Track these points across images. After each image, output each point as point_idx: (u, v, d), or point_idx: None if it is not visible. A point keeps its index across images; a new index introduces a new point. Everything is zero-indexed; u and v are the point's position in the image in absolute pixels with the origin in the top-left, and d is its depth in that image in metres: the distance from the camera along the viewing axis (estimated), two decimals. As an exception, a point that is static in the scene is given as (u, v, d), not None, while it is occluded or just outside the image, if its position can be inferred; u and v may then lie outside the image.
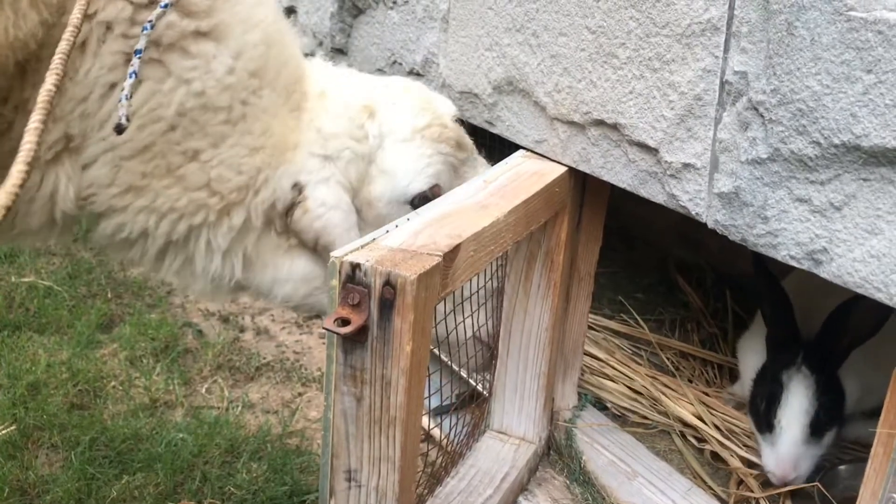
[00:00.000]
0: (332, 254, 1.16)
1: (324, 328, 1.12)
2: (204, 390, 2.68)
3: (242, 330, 3.00)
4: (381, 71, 2.23)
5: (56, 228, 1.42)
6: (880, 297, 1.08)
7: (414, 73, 2.06)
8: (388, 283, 1.12)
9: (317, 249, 1.45)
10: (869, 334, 1.70)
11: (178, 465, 2.19)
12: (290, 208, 1.44)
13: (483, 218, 1.33)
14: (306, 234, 1.44)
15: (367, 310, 1.14)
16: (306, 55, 2.75)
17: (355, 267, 1.13)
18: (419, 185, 1.50)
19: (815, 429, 1.69)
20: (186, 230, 1.42)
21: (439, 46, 1.94)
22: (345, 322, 1.13)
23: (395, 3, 2.10)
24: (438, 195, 1.50)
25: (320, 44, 2.55)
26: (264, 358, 2.79)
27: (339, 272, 1.14)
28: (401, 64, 2.12)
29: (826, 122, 1.09)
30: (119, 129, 1.22)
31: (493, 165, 1.66)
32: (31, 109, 1.08)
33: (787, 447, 1.69)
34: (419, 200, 1.50)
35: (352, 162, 1.48)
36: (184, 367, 2.78)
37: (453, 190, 1.49)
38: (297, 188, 1.43)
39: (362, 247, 1.19)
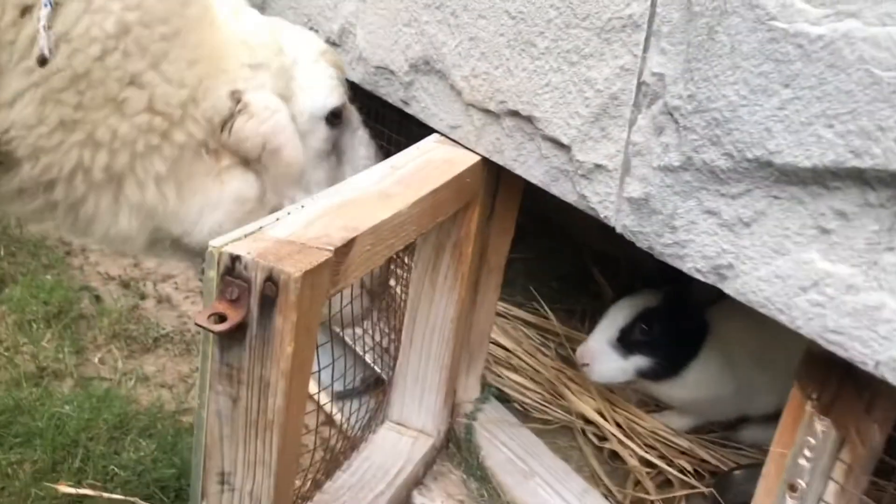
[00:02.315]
0: (211, 243, 1.06)
1: (196, 324, 1.03)
2: (97, 360, 2.55)
3: (143, 297, 2.87)
4: (297, 37, 2.12)
5: None
6: (782, 318, 1.05)
7: (330, 42, 1.96)
8: (271, 279, 1.03)
9: (261, 159, 1.43)
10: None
11: (60, 442, 2.07)
12: (226, 120, 1.40)
13: (384, 209, 1.25)
14: (251, 142, 1.41)
15: (246, 306, 1.05)
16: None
17: (235, 259, 1.04)
18: (335, 100, 1.57)
19: (623, 341, 1.84)
20: (128, 159, 1.33)
21: (357, 16, 1.84)
22: (221, 318, 1.04)
23: (314, -34, 1.99)
24: (344, 114, 1.60)
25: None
26: (164, 328, 2.67)
27: (218, 263, 1.05)
28: (317, 31, 2.01)
29: (740, 134, 1.04)
30: (42, 61, 1.16)
31: (406, 147, 1.59)
32: None
33: (591, 341, 1.88)
34: (332, 117, 1.57)
35: (279, 73, 1.49)
36: (77, 334, 2.64)
37: (358, 175, 1.41)
38: (235, 97, 1.40)
39: (246, 236, 1.10)
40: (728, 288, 1.12)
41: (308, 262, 1.05)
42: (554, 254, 2.83)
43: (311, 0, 2.02)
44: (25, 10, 1.20)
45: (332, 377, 1.82)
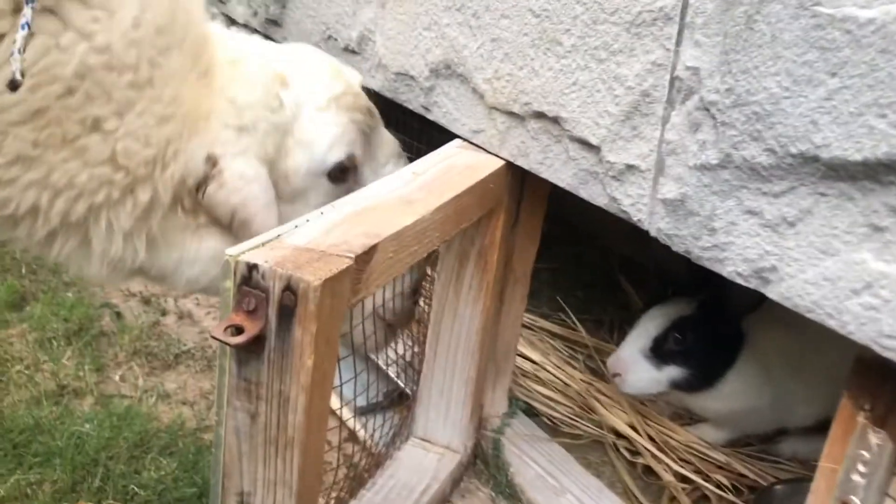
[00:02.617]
0: (227, 251, 1.02)
1: (212, 336, 0.98)
2: (117, 377, 2.52)
3: (164, 313, 2.83)
4: (316, 46, 2.08)
5: None
6: (832, 324, 0.98)
7: (349, 51, 1.92)
8: (289, 289, 0.98)
9: (232, 227, 1.34)
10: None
11: (80, 461, 2.03)
12: (201, 183, 1.32)
13: (406, 215, 1.20)
14: (221, 209, 1.32)
15: (264, 317, 1.00)
16: (240, 25, 2.58)
17: (252, 268, 0.99)
18: (337, 155, 1.43)
19: (657, 351, 1.79)
20: (86, 210, 1.26)
21: (376, 23, 1.80)
22: (238, 330, 0.99)
23: (331, -28, 1.95)
24: (356, 165, 1.46)
25: (255, 14, 2.38)
26: (185, 344, 2.63)
27: (234, 273, 1.00)
28: (336, 39, 1.97)
29: (783, 128, 0.98)
30: (13, 86, 1.09)
31: (427, 154, 1.53)
32: None
33: (622, 349, 1.83)
34: (337, 171, 1.44)
35: (269, 133, 1.37)
36: (97, 351, 2.61)
37: (377, 182, 1.36)
38: (211, 161, 1.31)
39: (263, 244, 1.05)
40: (772, 292, 1.05)
41: (328, 270, 1.00)
42: (579, 261, 2.77)
43: (329, 8, 1.99)
44: None
45: (355, 392, 1.77)
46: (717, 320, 1.78)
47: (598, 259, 2.76)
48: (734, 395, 1.80)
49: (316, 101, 1.43)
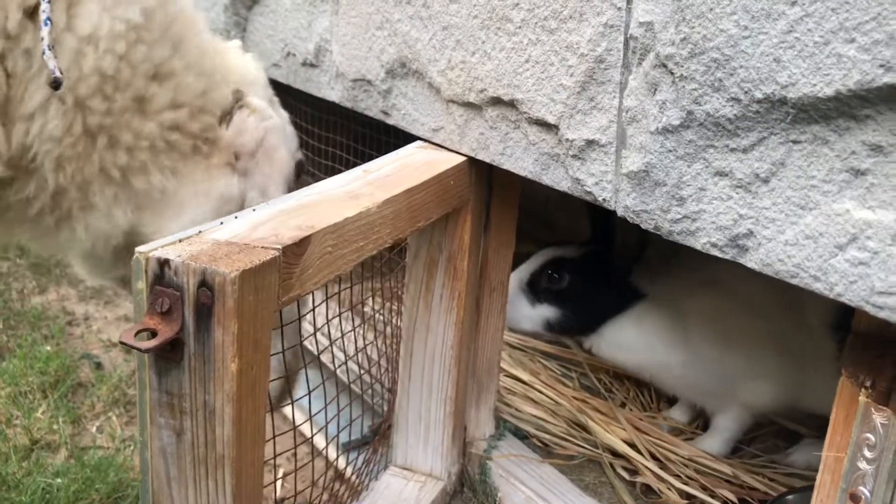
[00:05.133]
0: (137, 249, 0.91)
1: (121, 342, 0.87)
2: (94, 429, 2.40)
3: (145, 361, 2.72)
4: (276, 66, 2.01)
5: None
6: (819, 287, 0.87)
7: (308, 65, 1.84)
8: (205, 284, 0.88)
9: (255, 156, 1.44)
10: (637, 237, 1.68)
11: (47, 516, 1.91)
12: (227, 114, 1.42)
13: (350, 208, 1.10)
14: (250, 135, 1.42)
15: (180, 318, 0.89)
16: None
17: (164, 264, 0.89)
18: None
19: (532, 287, 1.73)
20: (148, 156, 1.34)
21: (331, 31, 1.72)
22: (152, 335, 0.88)
23: (286, -14, 1.88)
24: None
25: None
26: (165, 391, 2.51)
27: (146, 271, 0.90)
28: (294, 55, 1.89)
29: (745, 72, 0.88)
30: (55, 84, 1.14)
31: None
32: None
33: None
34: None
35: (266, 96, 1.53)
36: (73, 403, 2.49)
37: (324, 180, 1.26)
38: (237, 95, 1.44)
39: (181, 240, 0.95)
40: (751, 261, 0.94)
41: (248, 262, 0.89)
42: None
43: (286, 23, 1.91)
44: (33, 11, 1.17)
45: (338, 427, 1.64)
46: (603, 269, 1.71)
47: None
48: (628, 346, 1.73)
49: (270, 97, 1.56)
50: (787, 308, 1.61)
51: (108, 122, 1.27)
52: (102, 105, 1.25)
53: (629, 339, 1.70)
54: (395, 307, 1.71)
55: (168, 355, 0.91)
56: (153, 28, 1.29)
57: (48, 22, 1.14)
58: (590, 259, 1.73)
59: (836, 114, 0.82)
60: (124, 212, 1.36)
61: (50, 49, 1.14)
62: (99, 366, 2.77)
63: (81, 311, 3.21)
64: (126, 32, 1.24)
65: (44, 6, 1.14)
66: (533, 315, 1.73)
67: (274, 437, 1.15)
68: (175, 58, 1.33)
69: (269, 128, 1.43)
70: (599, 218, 1.71)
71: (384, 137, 2.07)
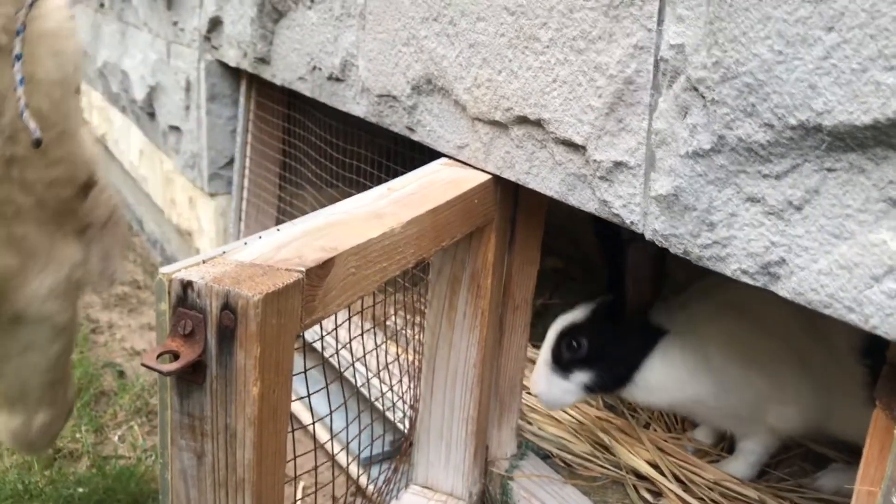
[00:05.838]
0: (161, 270, 0.91)
1: (143, 365, 0.87)
2: (116, 438, 2.41)
3: (167, 370, 2.73)
4: (302, 79, 2.01)
5: None
6: (853, 319, 0.84)
7: (333, 79, 1.84)
8: (227, 307, 0.87)
9: (107, 225, 1.56)
10: (651, 276, 1.63)
11: (69, 526, 1.92)
12: (83, 187, 1.50)
13: (373, 228, 1.09)
14: (103, 209, 1.54)
15: (202, 341, 0.89)
16: (233, 69, 2.52)
17: (187, 286, 0.88)
18: None
19: (558, 361, 1.67)
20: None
21: (358, 46, 1.72)
22: (175, 357, 0.88)
23: (312, 0, 1.88)
24: None
25: (245, 55, 2.32)
26: (187, 401, 2.51)
27: (169, 293, 0.89)
28: (320, 69, 1.89)
29: (779, 97, 0.86)
30: (38, 144, 1.18)
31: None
32: None
33: (535, 369, 1.71)
34: None
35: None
36: (96, 412, 2.51)
37: (348, 199, 1.26)
38: (90, 172, 1.52)
39: (205, 261, 0.95)
40: (782, 289, 0.92)
41: (271, 285, 0.88)
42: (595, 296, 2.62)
43: (312, 38, 1.91)
44: None
45: (360, 442, 1.63)
46: (613, 318, 1.67)
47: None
48: (660, 386, 1.67)
49: None
50: (811, 331, 1.58)
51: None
52: None
53: (659, 379, 1.67)
54: (417, 321, 1.70)
55: (190, 378, 0.90)
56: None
57: (23, 81, 1.17)
58: (601, 315, 1.69)
59: (874, 142, 0.79)
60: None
61: (26, 107, 1.18)
62: (122, 374, 2.78)
63: (105, 318, 3.23)
64: None
65: (17, 65, 1.17)
66: (571, 387, 1.68)
67: (295, 456, 1.15)
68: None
69: (116, 205, 1.60)
70: (613, 267, 1.66)
71: (409, 153, 2.07)
